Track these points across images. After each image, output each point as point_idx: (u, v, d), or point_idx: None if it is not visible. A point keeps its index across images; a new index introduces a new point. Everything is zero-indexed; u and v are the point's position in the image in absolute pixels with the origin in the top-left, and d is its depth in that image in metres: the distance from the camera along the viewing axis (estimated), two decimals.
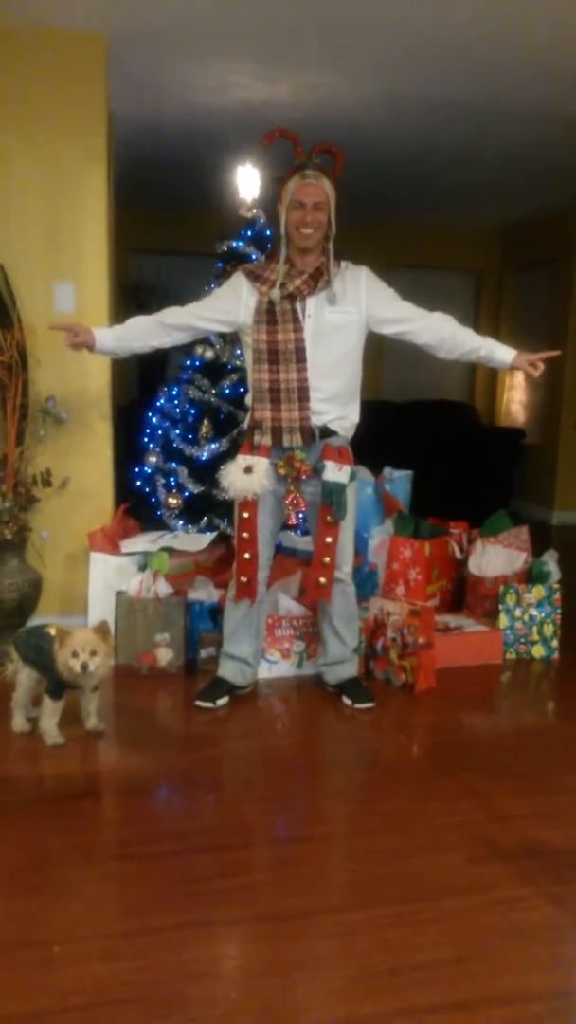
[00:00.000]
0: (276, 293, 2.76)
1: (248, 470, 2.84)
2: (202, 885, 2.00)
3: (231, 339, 3.69)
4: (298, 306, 2.78)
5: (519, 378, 7.21)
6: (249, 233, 3.89)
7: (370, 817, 2.34)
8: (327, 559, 2.91)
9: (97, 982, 1.68)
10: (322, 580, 2.93)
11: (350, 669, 3.13)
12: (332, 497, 2.85)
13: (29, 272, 3.41)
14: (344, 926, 1.86)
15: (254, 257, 3.82)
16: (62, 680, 2.60)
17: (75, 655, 2.52)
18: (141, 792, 2.45)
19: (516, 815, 2.34)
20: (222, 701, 3.03)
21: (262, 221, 3.90)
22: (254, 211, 3.89)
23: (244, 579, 2.96)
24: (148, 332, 2.89)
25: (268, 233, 3.89)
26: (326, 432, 2.87)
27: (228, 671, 3.08)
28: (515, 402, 7.32)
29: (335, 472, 2.85)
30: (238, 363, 3.85)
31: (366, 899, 1.96)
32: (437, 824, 2.29)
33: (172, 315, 2.89)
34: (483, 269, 7.52)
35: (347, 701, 3.05)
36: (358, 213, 6.32)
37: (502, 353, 2.86)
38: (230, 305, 2.86)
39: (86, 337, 2.84)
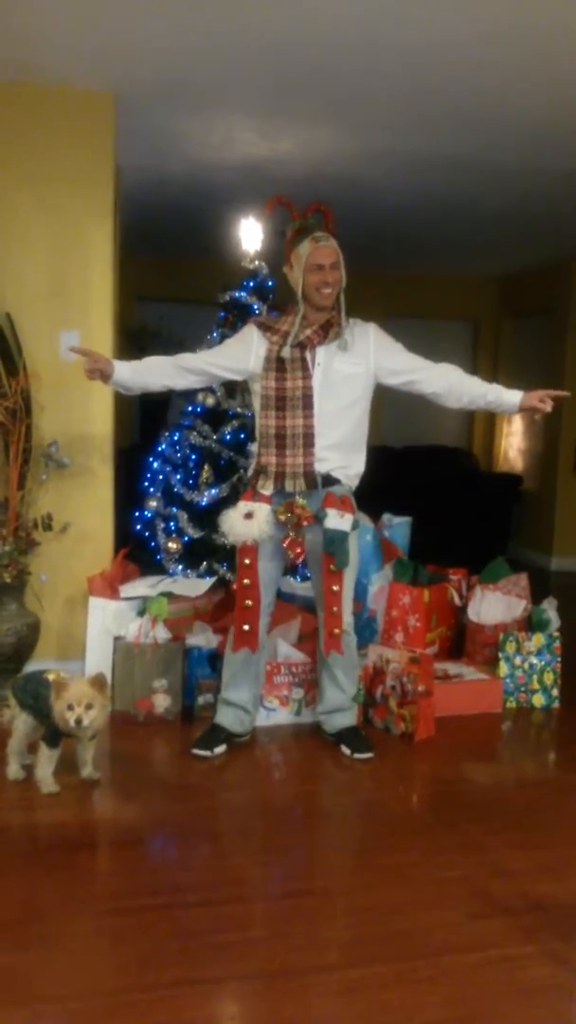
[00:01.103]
0: (287, 351, 2.81)
1: (248, 516, 2.86)
2: (197, 940, 1.96)
3: (241, 388, 3.74)
4: (308, 355, 2.84)
5: (516, 424, 7.27)
6: (251, 284, 3.96)
7: (369, 871, 2.31)
8: (335, 608, 2.92)
9: None
10: (336, 631, 2.93)
11: (349, 718, 3.10)
12: (334, 545, 2.86)
13: (35, 320, 3.46)
14: (343, 984, 1.82)
15: (255, 308, 3.89)
16: (59, 728, 2.58)
17: (70, 708, 2.50)
18: (135, 843, 2.41)
19: (517, 869, 2.30)
20: (219, 749, 3.00)
21: (264, 272, 3.97)
22: (256, 263, 3.96)
23: (246, 627, 2.95)
24: (164, 372, 2.93)
25: (270, 284, 3.96)
26: (329, 480, 2.89)
27: (226, 718, 3.06)
28: (513, 448, 7.37)
29: (337, 520, 2.86)
30: (238, 410, 3.89)
31: (365, 956, 1.92)
32: (437, 878, 2.25)
33: (186, 359, 2.95)
34: (480, 318, 7.63)
35: (346, 751, 3.02)
36: (356, 263, 6.40)
37: (509, 396, 2.91)
38: (240, 354, 2.91)
39: (105, 365, 2.85)
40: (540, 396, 2.88)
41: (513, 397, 2.91)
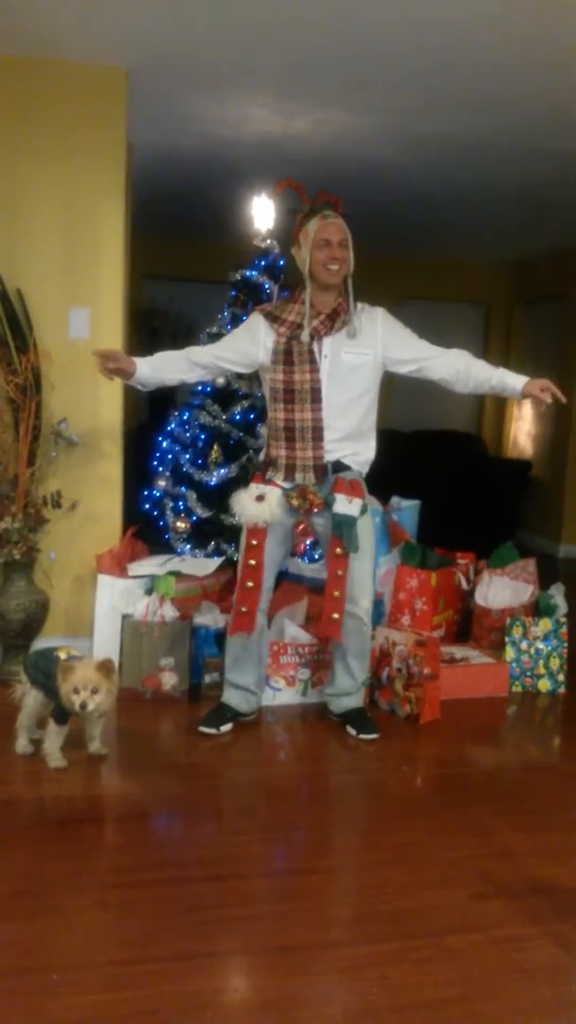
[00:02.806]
0: (305, 334, 2.79)
1: (260, 498, 2.86)
2: (203, 915, 1.98)
3: (251, 377, 3.73)
4: (315, 346, 2.82)
5: (527, 410, 7.24)
6: (263, 263, 3.93)
7: (373, 850, 2.32)
8: (337, 593, 2.91)
9: (96, 1012, 1.66)
10: (335, 616, 2.92)
11: (356, 700, 3.11)
12: (342, 530, 2.86)
13: (46, 298, 3.45)
14: (346, 961, 1.84)
15: (267, 287, 3.87)
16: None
17: (76, 692, 2.51)
18: (143, 818, 2.44)
19: (521, 851, 2.31)
20: (226, 727, 3.02)
21: (276, 252, 3.95)
22: (268, 241, 3.94)
23: (244, 608, 2.95)
24: (178, 367, 2.96)
25: (282, 263, 3.94)
26: (339, 466, 2.89)
27: (232, 698, 3.08)
28: (523, 433, 7.34)
29: (345, 505, 2.86)
30: (247, 391, 3.88)
31: (368, 934, 1.94)
32: (441, 859, 2.26)
33: (196, 354, 2.96)
34: (492, 302, 7.58)
35: (352, 731, 3.04)
36: (368, 246, 6.37)
37: (513, 380, 2.89)
38: (248, 347, 2.91)
39: (126, 364, 2.86)
40: (541, 386, 2.85)
41: (517, 382, 2.88)
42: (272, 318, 2.87)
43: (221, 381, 3.90)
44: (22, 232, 3.43)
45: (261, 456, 2.99)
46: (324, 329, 2.82)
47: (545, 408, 2.89)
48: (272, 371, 2.85)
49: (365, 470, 2.99)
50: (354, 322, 2.84)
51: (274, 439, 2.90)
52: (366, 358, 2.86)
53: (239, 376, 3.85)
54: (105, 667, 2.56)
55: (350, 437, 2.89)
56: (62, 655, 2.62)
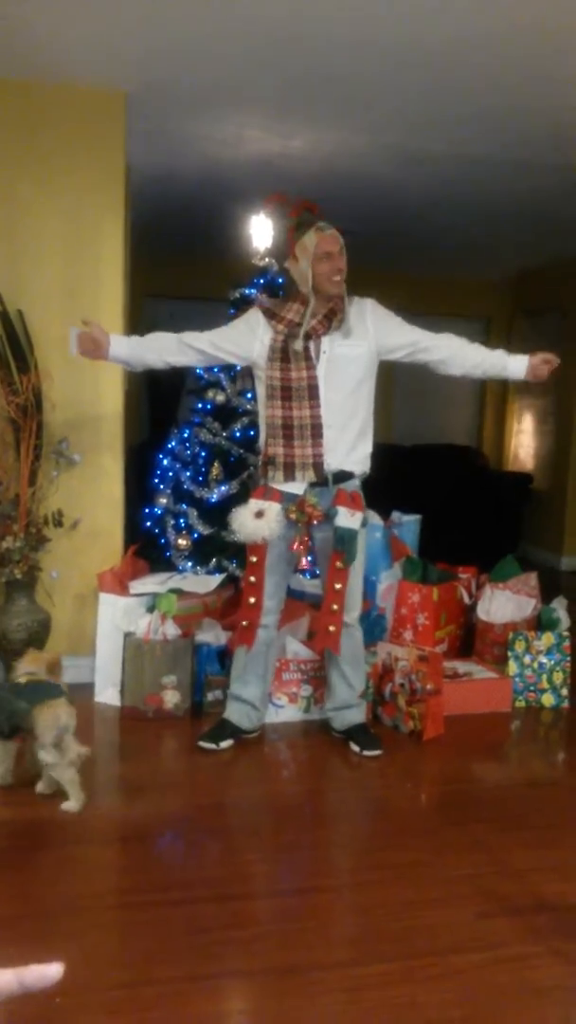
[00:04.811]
0: (299, 343, 2.80)
1: (259, 514, 2.86)
2: (206, 936, 1.97)
3: (243, 373, 3.74)
4: (312, 345, 2.83)
5: (527, 423, 7.25)
6: (262, 281, 3.96)
7: (377, 869, 2.31)
8: (335, 606, 2.91)
9: None
10: (331, 628, 2.92)
11: (358, 715, 3.11)
12: (344, 544, 2.86)
13: (47, 317, 3.47)
14: (351, 981, 1.83)
15: (269, 300, 3.88)
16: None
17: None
18: (145, 838, 2.43)
19: (526, 869, 2.30)
20: (226, 743, 3.01)
21: (274, 269, 3.97)
22: (266, 260, 3.96)
23: (245, 623, 2.96)
24: (165, 347, 2.89)
25: (280, 281, 3.96)
26: (340, 477, 2.89)
27: (233, 714, 3.07)
28: (523, 447, 7.35)
29: (347, 518, 2.86)
30: (248, 407, 3.89)
31: (373, 954, 1.92)
32: (446, 877, 2.25)
33: (191, 337, 2.91)
34: (492, 316, 7.61)
35: (355, 748, 3.03)
36: (368, 261, 6.42)
37: (515, 364, 2.93)
38: (245, 341, 2.90)
39: (100, 336, 2.80)
40: (541, 359, 2.92)
41: (519, 364, 2.92)
42: (271, 315, 2.88)
43: (221, 398, 3.92)
44: (23, 253, 3.46)
45: (260, 458, 2.97)
46: (322, 328, 2.83)
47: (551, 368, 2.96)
48: (269, 368, 2.84)
49: (366, 467, 2.96)
50: (354, 316, 2.85)
51: (272, 437, 2.88)
52: (360, 349, 2.86)
53: (233, 381, 3.86)
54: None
55: (348, 433, 2.87)
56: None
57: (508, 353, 2.96)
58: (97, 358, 2.88)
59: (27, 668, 2.67)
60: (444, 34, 2.87)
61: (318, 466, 2.85)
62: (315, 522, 2.87)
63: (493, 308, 7.57)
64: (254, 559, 2.92)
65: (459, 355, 2.92)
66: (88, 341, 2.83)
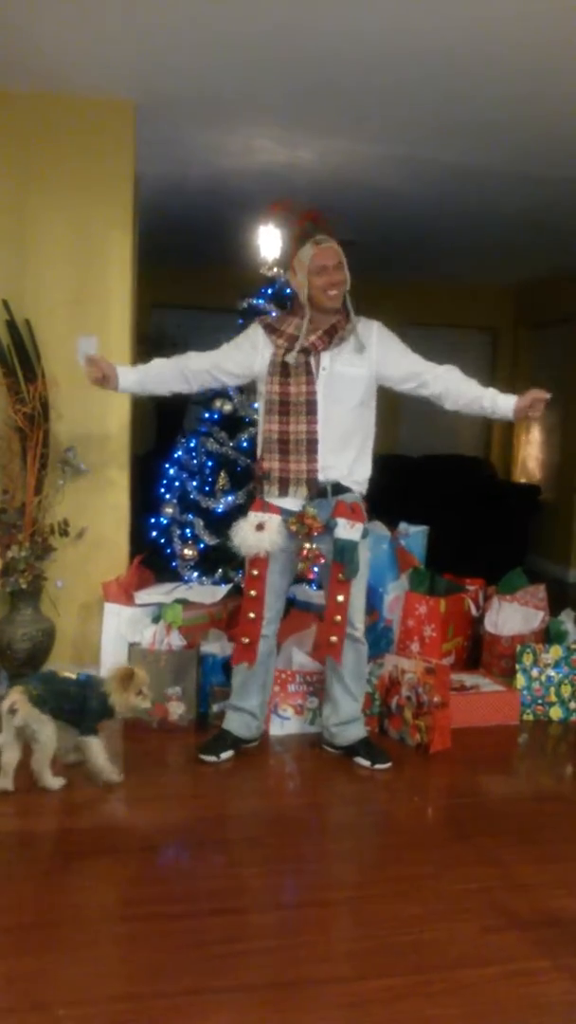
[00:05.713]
0: (292, 356, 2.80)
1: (260, 527, 2.84)
2: (210, 950, 1.94)
3: (249, 388, 3.74)
4: (312, 360, 2.82)
5: (535, 434, 7.23)
6: (270, 291, 3.96)
7: (383, 883, 2.28)
8: (338, 618, 2.89)
9: None
10: (333, 639, 2.91)
11: (361, 730, 3.06)
12: (344, 555, 2.84)
13: (55, 327, 3.48)
14: (356, 996, 1.80)
15: (273, 315, 3.89)
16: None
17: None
18: (150, 850, 2.41)
19: (533, 883, 2.27)
20: (226, 755, 2.98)
21: (283, 279, 3.98)
22: (275, 270, 3.97)
23: (246, 640, 2.93)
24: (170, 377, 2.91)
25: (288, 292, 3.96)
26: (339, 488, 2.88)
27: (233, 723, 3.04)
28: (531, 458, 7.33)
29: (347, 530, 2.84)
30: (255, 417, 3.89)
31: (378, 968, 1.90)
32: (452, 891, 2.22)
33: (192, 365, 2.91)
34: (498, 327, 7.61)
35: (365, 763, 2.98)
36: (374, 272, 6.43)
37: (504, 402, 2.87)
38: (247, 358, 2.90)
39: (108, 371, 2.83)
40: (530, 400, 2.84)
41: (507, 403, 2.86)
42: (271, 330, 2.88)
43: (228, 408, 3.92)
44: (32, 263, 3.48)
45: (257, 471, 2.96)
46: (322, 344, 2.82)
47: (539, 410, 2.86)
48: (268, 382, 2.84)
49: (363, 489, 2.96)
50: (359, 336, 2.84)
51: (267, 451, 2.88)
52: (361, 371, 2.85)
53: (240, 391, 3.85)
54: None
55: (344, 452, 2.86)
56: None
57: (499, 392, 2.90)
58: (107, 389, 2.91)
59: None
60: (449, 47, 2.88)
61: (312, 481, 2.83)
62: (315, 533, 2.86)
63: (499, 320, 7.57)
64: (255, 572, 2.90)
65: (454, 391, 2.90)
66: (96, 372, 2.85)
